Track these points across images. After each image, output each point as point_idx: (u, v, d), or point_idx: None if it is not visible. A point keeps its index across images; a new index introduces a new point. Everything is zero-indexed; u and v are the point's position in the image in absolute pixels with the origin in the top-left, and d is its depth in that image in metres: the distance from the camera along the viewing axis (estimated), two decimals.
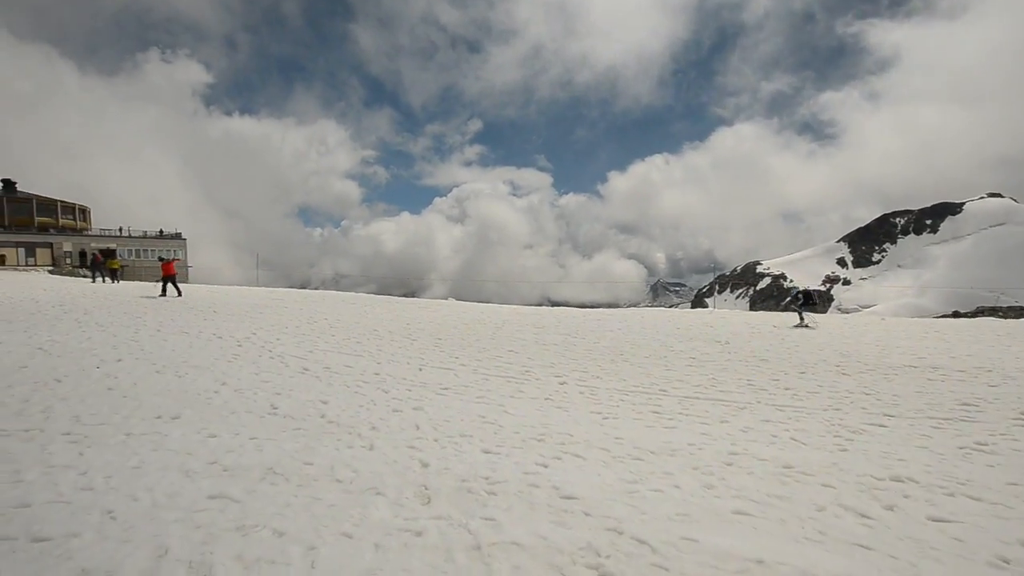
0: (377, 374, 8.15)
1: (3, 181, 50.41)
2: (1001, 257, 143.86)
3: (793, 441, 5.19)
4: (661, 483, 3.95)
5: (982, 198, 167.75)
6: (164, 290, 18.57)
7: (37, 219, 49.09)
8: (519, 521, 3.23)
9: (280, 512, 3.27)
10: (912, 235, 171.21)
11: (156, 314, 13.92)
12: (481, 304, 21.76)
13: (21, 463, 3.92)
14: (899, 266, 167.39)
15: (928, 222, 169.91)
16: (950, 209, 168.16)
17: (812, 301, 16.58)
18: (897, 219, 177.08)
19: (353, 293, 26.38)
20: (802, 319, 16.42)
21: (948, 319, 17.20)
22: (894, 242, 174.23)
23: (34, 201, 49.90)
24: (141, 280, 32.22)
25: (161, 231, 59.00)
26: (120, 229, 56.72)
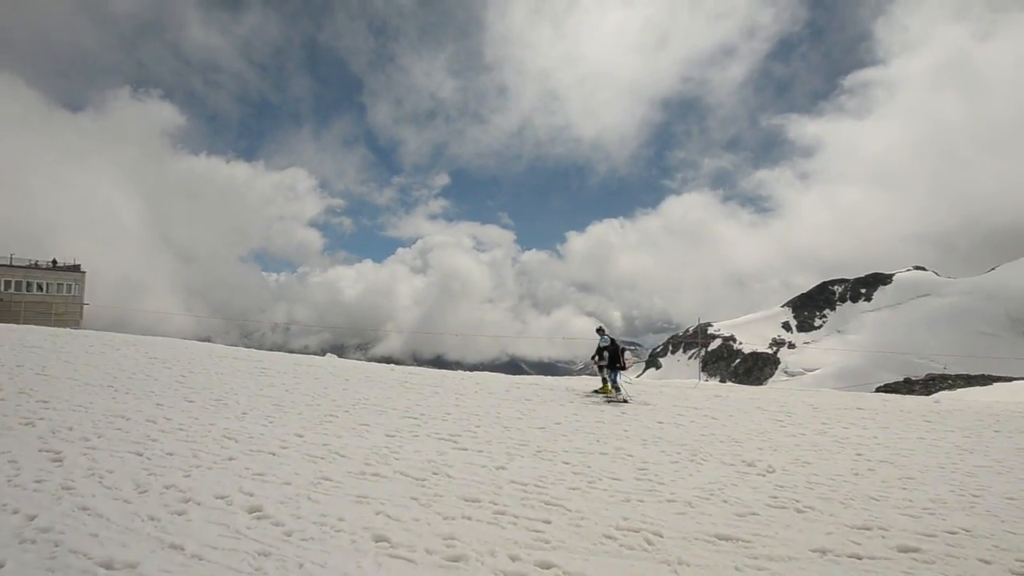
0: None
1: None
2: (929, 325, 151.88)
3: None
4: None
5: (909, 270, 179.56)
6: None
7: None
8: None
9: None
10: (849, 302, 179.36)
11: None
12: (376, 365, 15.71)
13: None
14: (839, 331, 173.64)
15: (863, 290, 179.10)
16: (881, 279, 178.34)
17: (620, 364, 10.63)
18: (835, 287, 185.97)
19: (237, 348, 19.67)
20: (606, 385, 10.75)
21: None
22: (833, 308, 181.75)
23: None
24: (18, 323, 23.36)
25: (55, 261, 49.60)
26: None
